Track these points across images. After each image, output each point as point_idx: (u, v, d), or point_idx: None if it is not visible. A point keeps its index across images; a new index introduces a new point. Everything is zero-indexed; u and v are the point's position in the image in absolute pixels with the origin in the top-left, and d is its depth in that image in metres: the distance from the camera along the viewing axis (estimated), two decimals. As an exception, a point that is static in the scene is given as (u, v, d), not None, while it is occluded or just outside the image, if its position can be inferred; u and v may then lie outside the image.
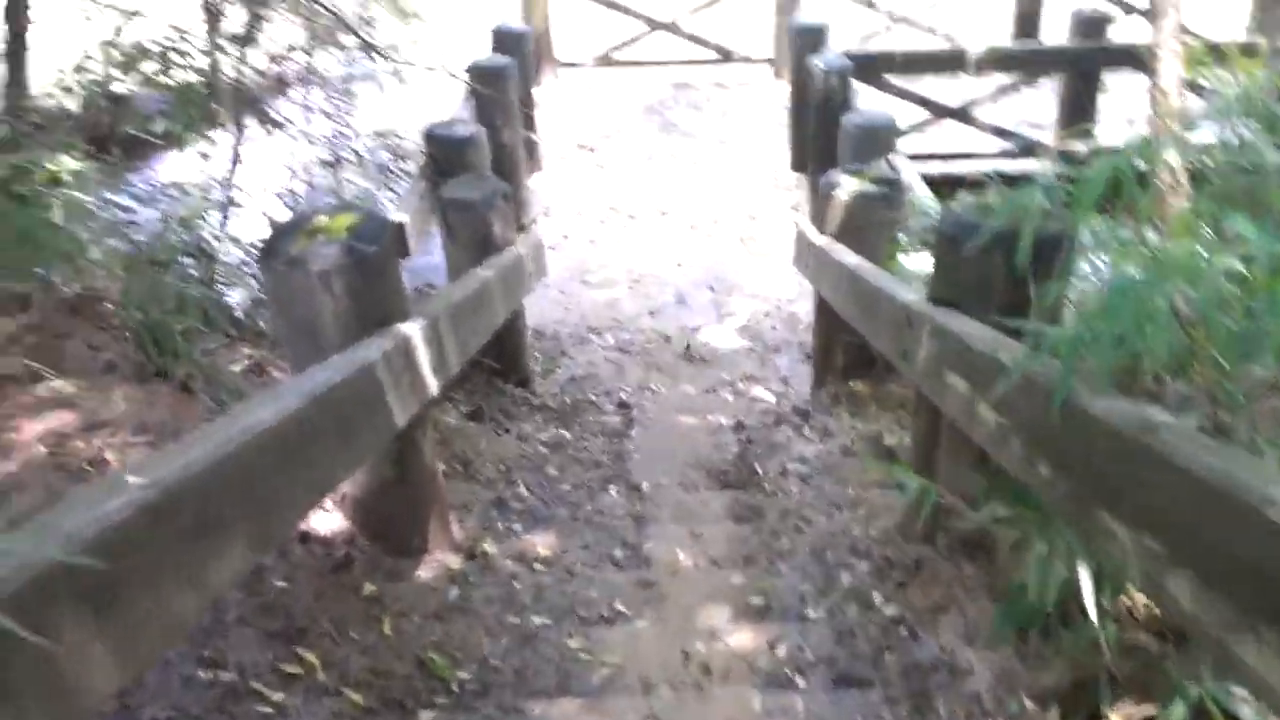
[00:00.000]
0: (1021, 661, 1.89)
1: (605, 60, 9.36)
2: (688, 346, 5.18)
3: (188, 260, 3.20)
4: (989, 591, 2.14)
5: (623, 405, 4.57)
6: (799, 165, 7.45)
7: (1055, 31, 8.97)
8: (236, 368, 2.84)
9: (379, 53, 6.19)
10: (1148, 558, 1.28)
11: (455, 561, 2.51)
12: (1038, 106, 8.65)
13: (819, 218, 3.92)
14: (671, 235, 6.60)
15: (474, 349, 2.87)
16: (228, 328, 3.09)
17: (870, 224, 3.78)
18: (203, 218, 3.43)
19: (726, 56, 9.30)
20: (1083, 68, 7.22)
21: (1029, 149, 7.45)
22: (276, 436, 1.48)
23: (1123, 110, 8.66)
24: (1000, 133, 7.34)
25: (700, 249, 6.41)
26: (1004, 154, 7.50)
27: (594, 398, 4.62)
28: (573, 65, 9.31)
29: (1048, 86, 8.00)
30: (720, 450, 3.92)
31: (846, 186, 3.73)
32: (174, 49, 3.76)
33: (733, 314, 5.57)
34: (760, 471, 3.52)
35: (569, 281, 5.96)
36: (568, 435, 3.92)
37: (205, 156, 4.25)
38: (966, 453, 2.15)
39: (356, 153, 5.15)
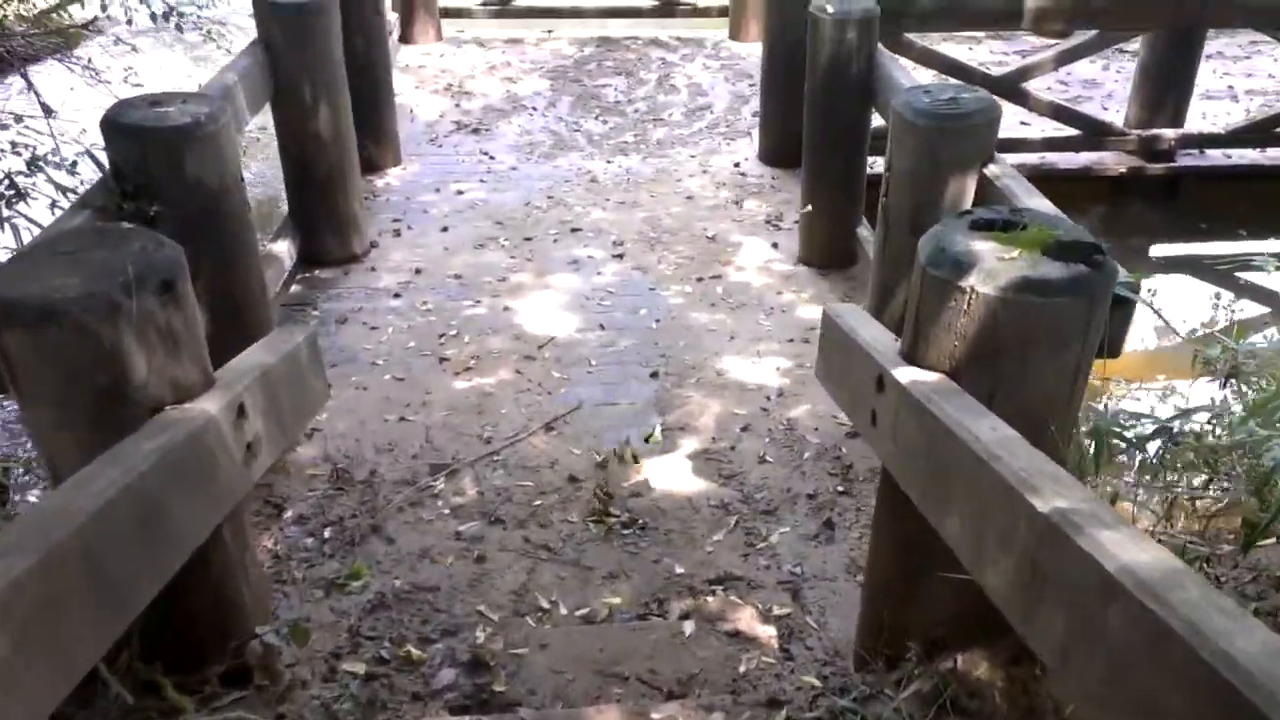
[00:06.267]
0: None
1: (504, 8, 6.95)
2: (606, 506, 2.86)
3: None
4: None
5: (474, 667, 2.26)
6: (775, 157, 5.19)
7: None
8: None
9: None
10: None
11: None
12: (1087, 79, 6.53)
13: (912, 327, 1.63)
14: (588, 270, 4.26)
15: None
16: None
17: (1044, 347, 1.52)
18: None
19: (669, 7, 6.98)
20: (1184, 25, 5.01)
21: (1096, 135, 5.27)
22: None
23: (1215, 84, 6.55)
24: (1062, 114, 5.14)
25: (632, 294, 4.08)
26: (1053, 144, 5.30)
27: (416, 650, 2.30)
28: (459, 13, 6.90)
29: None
30: None
31: (991, 267, 1.45)
32: None
33: (688, 425, 3.26)
34: None
35: (415, 358, 3.59)
36: None
37: None
38: None
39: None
